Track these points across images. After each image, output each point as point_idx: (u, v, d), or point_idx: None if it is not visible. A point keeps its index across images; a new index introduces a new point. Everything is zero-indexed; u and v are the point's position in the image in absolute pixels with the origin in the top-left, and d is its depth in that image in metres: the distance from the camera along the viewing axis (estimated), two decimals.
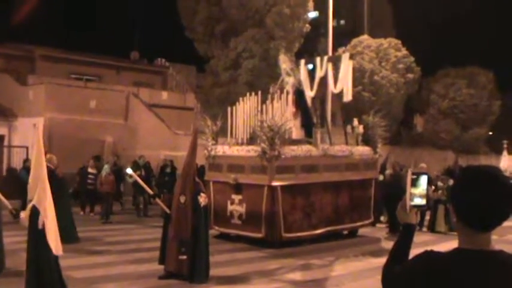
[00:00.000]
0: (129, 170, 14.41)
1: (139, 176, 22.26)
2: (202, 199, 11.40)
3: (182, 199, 11.23)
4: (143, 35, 44.40)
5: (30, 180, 9.02)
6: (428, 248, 2.79)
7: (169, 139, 29.41)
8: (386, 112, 34.85)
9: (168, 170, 22.91)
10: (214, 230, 16.75)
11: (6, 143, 29.05)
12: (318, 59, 19.27)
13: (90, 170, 22.27)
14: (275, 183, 15.30)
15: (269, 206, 15.29)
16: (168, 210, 11.52)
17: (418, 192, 3.03)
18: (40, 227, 8.58)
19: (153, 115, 31.15)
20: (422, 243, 16.27)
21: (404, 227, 3.06)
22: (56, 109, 27.57)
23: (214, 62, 30.26)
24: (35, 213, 8.67)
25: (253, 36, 28.71)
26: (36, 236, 8.72)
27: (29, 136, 27.72)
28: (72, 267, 12.14)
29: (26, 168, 20.28)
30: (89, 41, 39.40)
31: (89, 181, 22.08)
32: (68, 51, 36.45)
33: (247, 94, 17.28)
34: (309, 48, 31.67)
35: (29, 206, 8.90)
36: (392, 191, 18.77)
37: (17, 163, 26.85)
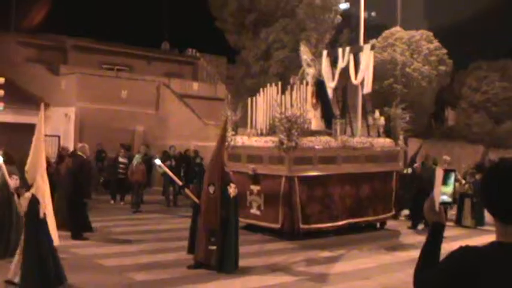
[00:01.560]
0: (157, 161, 14.47)
1: (168, 166, 22.53)
2: (232, 189, 11.42)
3: (211, 189, 11.20)
4: (174, 25, 44.43)
5: (27, 167, 8.75)
6: (459, 243, 2.75)
7: (199, 129, 29.47)
8: (417, 104, 34.70)
9: (198, 160, 22.94)
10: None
11: None
12: (340, 50, 19.01)
13: (121, 159, 22.37)
14: (292, 174, 15.20)
15: (286, 196, 15.20)
16: (197, 201, 11.55)
17: (447, 190, 2.97)
18: (41, 216, 8.44)
19: (184, 105, 31.24)
20: (445, 239, 16.11)
21: (433, 226, 2.98)
22: (88, 99, 27.82)
23: (245, 52, 30.27)
24: (33, 201, 8.50)
25: (284, 27, 28.65)
26: (37, 224, 8.55)
27: (61, 125, 28.03)
28: (103, 255, 12.32)
29: (60, 157, 20.52)
30: (120, 31, 39.57)
31: (120, 170, 22.20)
32: (100, 41, 36.69)
33: (268, 85, 17.19)
34: (339, 39, 31.42)
35: (27, 194, 8.70)
36: (423, 185, 18.60)
37: (49, 152, 27.14)
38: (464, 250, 2.65)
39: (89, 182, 15.88)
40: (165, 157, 23.23)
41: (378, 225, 17.91)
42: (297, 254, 13.35)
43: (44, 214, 8.40)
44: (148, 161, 22.09)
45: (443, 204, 2.93)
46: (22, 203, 8.93)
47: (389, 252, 14.07)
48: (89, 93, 27.95)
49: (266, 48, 28.86)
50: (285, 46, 28.05)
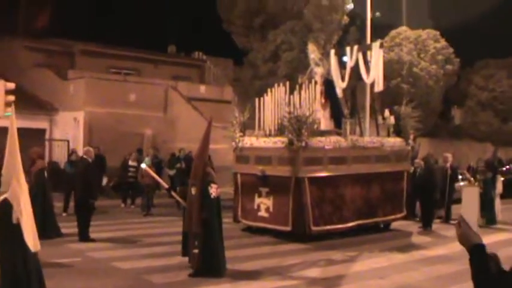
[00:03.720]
0: (143, 165, 14.55)
1: (178, 169, 22.60)
2: (213, 190, 10.97)
3: (193, 190, 10.93)
4: (180, 28, 44.54)
5: (3, 171, 8.17)
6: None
7: None
8: (425, 104, 34.66)
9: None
10: (241, 223, 16.81)
11: (47, 136, 29.46)
12: (348, 49, 18.86)
13: (131, 162, 22.43)
14: (302, 175, 15.09)
15: (296, 198, 15.08)
16: (184, 203, 11.37)
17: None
18: (14, 221, 7.85)
19: (192, 108, 31.30)
20: (454, 238, 16.07)
21: (474, 249, 2.83)
22: (96, 103, 27.92)
23: (253, 54, 30.29)
24: (6, 207, 7.88)
25: (292, 29, 28.66)
26: (10, 231, 7.92)
27: (69, 130, 28.14)
28: (118, 258, 12.38)
29: (70, 162, 20.64)
30: (127, 36, 39.66)
31: (130, 174, 22.26)
32: (107, 45, 36.78)
33: (275, 85, 17.06)
34: (346, 40, 31.43)
35: (0, 198, 8.01)
36: (425, 184, 18.64)
37: (58, 156, 27.27)
38: None
39: (94, 184, 15.99)
40: (174, 160, 23.33)
41: (382, 225, 17.79)
42: (309, 256, 13.37)
43: (18, 219, 7.96)
44: (158, 164, 22.15)
45: None
46: None
47: (402, 252, 14.06)
48: (98, 98, 28.04)
49: (274, 50, 28.88)
50: (293, 48, 28.06)
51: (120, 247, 13.91)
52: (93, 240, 14.26)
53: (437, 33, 40.10)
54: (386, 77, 25.75)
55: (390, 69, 34.85)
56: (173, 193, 12.14)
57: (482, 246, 2.80)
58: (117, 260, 12.15)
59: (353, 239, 15.60)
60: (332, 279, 11.06)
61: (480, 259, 2.77)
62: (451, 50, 39.99)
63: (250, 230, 16.63)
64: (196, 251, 10.78)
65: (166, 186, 13.07)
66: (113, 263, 11.89)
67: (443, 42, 39.77)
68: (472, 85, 45.49)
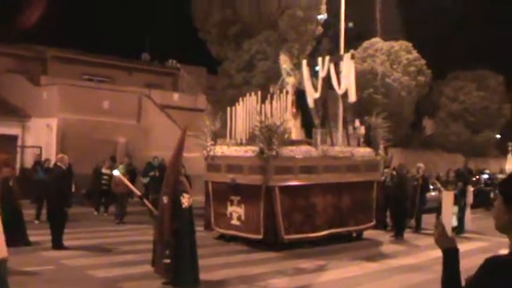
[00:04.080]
0: (115, 172, 14.50)
1: (152, 177, 22.54)
2: (185, 200, 10.73)
3: (165, 199, 10.77)
4: (153, 36, 44.50)
5: None
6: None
7: None
8: (397, 114, 35.04)
9: (183, 171, 22.91)
10: (215, 232, 16.83)
11: (19, 143, 29.21)
12: (319, 59, 19.02)
13: (104, 170, 22.33)
14: (273, 184, 15.11)
15: (267, 206, 15.11)
16: (155, 212, 11.21)
17: (455, 211, 2.96)
18: None
19: (165, 116, 31.27)
20: (427, 247, 16.30)
21: (448, 252, 2.90)
22: (69, 110, 27.73)
23: (227, 63, 30.42)
24: None
25: (267, 39, 28.86)
26: None
27: (42, 136, 27.93)
28: (92, 266, 12.34)
29: (43, 168, 20.52)
30: (100, 42, 39.52)
31: (103, 181, 22.17)
32: (80, 52, 36.58)
33: (247, 94, 17.08)
34: (318, 50, 31.68)
35: None
36: (397, 194, 18.89)
37: (30, 163, 27.04)
38: (494, 261, 2.62)
39: (70, 192, 15.91)
40: (148, 168, 23.29)
41: (354, 234, 17.87)
42: (283, 264, 13.38)
43: None
44: (132, 172, 22.08)
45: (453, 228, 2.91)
46: None
47: (375, 261, 14.16)
48: (71, 104, 27.85)
49: (249, 59, 29.04)
50: (268, 57, 28.24)
51: (93, 255, 13.84)
52: (66, 248, 14.19)
53: (410, 44, 40.67)
54: (359, 88, 26.01)
55: (363, 80, 35.25)
56: (145, 201, 12.01)
57: (454, 251, 2.88)
58: (91, 268, 12.10)
59: (326, 248, 15.65)
60: (309, 287, 11.12)
61: (451, 262, 2.86)
62: (423, 61, 40.60)
63: (223, 238, 16.65)
64: (168, 261, 10.57)
65: (138, 193, 12.86)
66: (87, 271, 11.84)
67: (415, 54, 40.36)
68: (443, 96, 46.17)
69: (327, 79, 18.53)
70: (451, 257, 2.87)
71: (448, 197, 3.23)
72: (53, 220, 14.63)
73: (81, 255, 13.69)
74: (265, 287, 11.09)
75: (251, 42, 29.20)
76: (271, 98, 16.77)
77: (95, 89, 31.25)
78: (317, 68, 19.04)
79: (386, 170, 20.81)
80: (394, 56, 39.50)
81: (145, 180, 23.13)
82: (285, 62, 17.90)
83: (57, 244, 14.22)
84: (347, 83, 18.14)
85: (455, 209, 3.45)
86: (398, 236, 18.29)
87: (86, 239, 16.09)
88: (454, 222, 3.42)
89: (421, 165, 20.65)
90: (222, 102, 29.84)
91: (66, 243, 14.40)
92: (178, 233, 10.61)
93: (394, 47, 39.90)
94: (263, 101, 16.64)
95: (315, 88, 18.54)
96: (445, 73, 47.16)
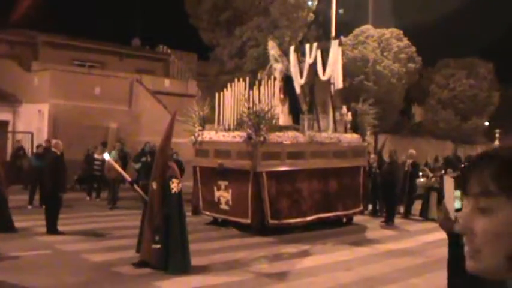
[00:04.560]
0: (106, 155, 14.61)
1: (144, 162, 22.58)
2: (174, 185, 10.80)
3: (154, 185, 10.87)
4: (145, 21, 44.45)
5: None
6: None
7: None
8: (387, 101, 35.24)
9: (174, 156, 22.99)
10: (206, 216, 16.99)
11: (10, 128, 29.20)
12: (307, 46, 19.08)
13: (96, 156, 22.40)
14: (260, 169, 15.25)
15: (254, 191, 15.26)
16: (146, 197, 11.22)
17: (458, 195, 3.04)
18: None
19: (157, 102, 31.30)
20: (417, 232, 16.59)
21: (452, 236, 2.88)
22: (61, 95, 27.70)
23: (219, 50, 30.45)
24: None
25: (258, 25, 28.90)
26: None
27: (33, 122, 27.93)
28: (88, 251, 12.45)
29: (36, 154, 20.56)
30: (91, 28, 39.46)
31: (96, 167, 22.26)
32: (71, 37, 36.46)
33: (236, 80, 17.13)
34: (306, 37, 31.74)
35: None
36: (388, 179, 19.09)
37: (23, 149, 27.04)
38: None
39: (64, 177, 15.98)
40: (141, 153, 23.33)
41: (344, 220, 18.09)
42: (275, 248, 13.55)
43: None
44: (123, 158, 22.16)
45: (457, 211, 3.00)
46: None
47: (366, 246, 14.40)
48: (62, 90, 27.81)
49: (240, 46, 29.09)
50: (259, 44, 28.28)
51: (88, 240, 13.97)
52: (61, 233, 14.30)
53: (401, 32, 40.80)
54: (347, 75, 26.14)
55: (354, 67, 35.38)
56: (135, 187, 12.05)
57: (458, 234, 2.76)
58: (86, 253, 12.24)
59: (317, 233, 15.86)
60: (300, 271, 11.27)
61: (455, 246, 2.84)
62: (413, 48, 40.76)
63: (216, 222, 16.81)
64: (157, 246, 10.68)
65: (129, 179, 12.85)
66: (83, 255, 11.97)
67: (406, 41, 40.50)
68: (433, 84, 46.36)
69: (314, 66, 18.61)
70: (457, 240, 2.81)
71: (448, 183, 3.38)
72: (48, 205, 14.78)
73: (76, 240, 13.81)
74: (256, 272, 11.21)
75: (243, 29, 29.24)
76: (259, 84, 16.86)
77: (86, 75, 31.19)
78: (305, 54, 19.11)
79: (372, 156, 21.01)
80: (385, 43, 39.64)
81: (138, 165, 23.17)
82: (272, 48, 17.97)
83: (52, 229, 14.33)
84: (333, 69, 18.25)
85: (458, 192, 3.61)
86: (389, 221, 18.51)
87: (80, 224, 16.22)
88: (458, 205, 3.58)
89: (413, 151, 20.83)
90: (214, 88, 29.93)
91: (60, 228, 14.52)
92: (169, 218, 10.70)
93: (385, 34, 40.02)
94: (251, 87, 16.73)
95: (301, 74, 18.64)
96: (435, 60, 47.37)
